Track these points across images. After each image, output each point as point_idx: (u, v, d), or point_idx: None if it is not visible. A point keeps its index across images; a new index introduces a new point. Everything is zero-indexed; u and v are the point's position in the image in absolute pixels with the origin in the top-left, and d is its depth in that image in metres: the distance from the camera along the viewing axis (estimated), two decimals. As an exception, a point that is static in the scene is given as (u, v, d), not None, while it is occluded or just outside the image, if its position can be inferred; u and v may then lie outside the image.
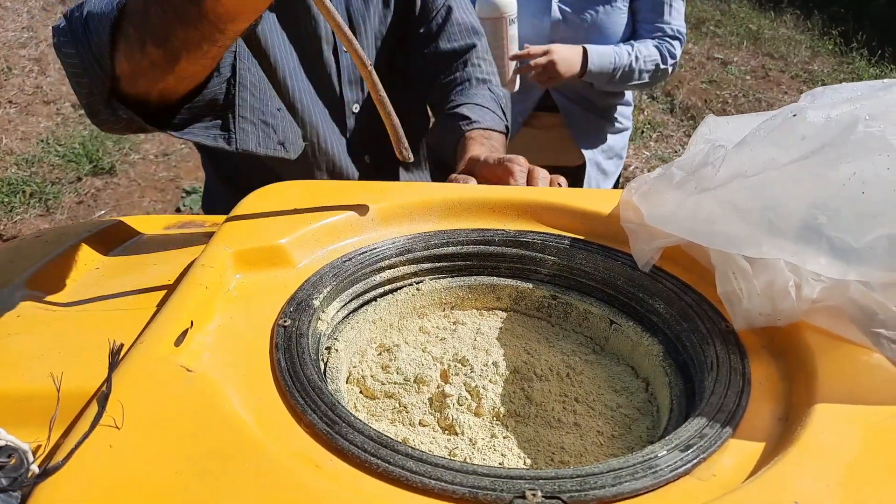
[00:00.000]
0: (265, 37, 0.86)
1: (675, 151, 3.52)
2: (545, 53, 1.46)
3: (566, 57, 1.48)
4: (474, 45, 1.07)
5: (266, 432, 0.39)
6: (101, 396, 0.37)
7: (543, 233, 0.61)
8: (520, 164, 0.76)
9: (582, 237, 0.61)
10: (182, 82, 0.67)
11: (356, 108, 0.97)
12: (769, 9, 5.35)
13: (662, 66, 1.59)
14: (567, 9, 1.53)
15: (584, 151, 1.62)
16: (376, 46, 0.98)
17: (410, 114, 1.05)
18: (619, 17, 1.54)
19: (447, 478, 0.36)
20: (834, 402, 0.41)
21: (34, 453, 0.37)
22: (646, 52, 1.55)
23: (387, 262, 0.58)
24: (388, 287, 0.58)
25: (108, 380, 0.39)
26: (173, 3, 0.57)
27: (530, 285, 0.60)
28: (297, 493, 0.34)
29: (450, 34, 1.05)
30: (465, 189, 0.67)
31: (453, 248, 0.60)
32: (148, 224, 0.76)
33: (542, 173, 0.75)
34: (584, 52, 1.50)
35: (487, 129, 1.01)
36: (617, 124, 1.69)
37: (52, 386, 0.41)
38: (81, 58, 0.66)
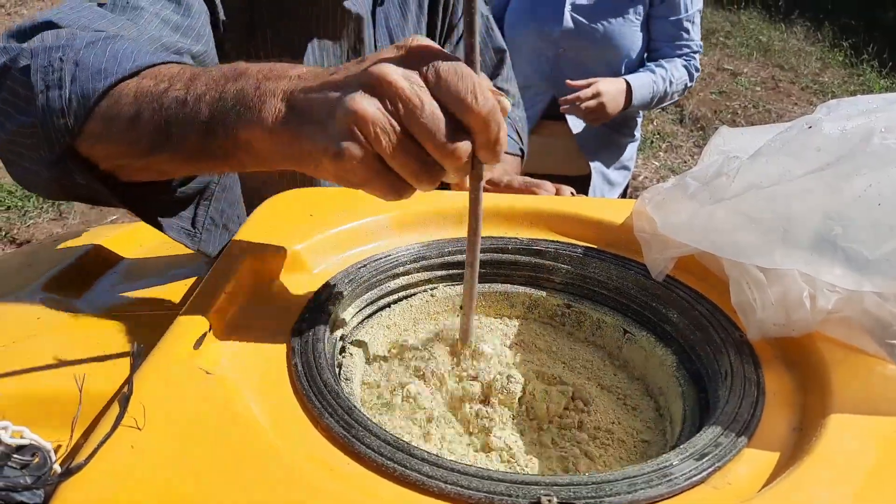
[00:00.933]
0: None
1: (685, 162, 3.52)
2: (595, 95, 1.47)
3: (614, 97, 1.50)
4: (497, 70, 1.08)
5: (283, 435, 0.39)
6: (123, 397, 0.38)
7: (557, 241, 0.62)
8: (546, 189, 0.76)
9: (595, 246, 0.61)
10: (169, 175, 0.56)
11: None
12: (779, 20, 5.36)
13: (689, 84, 1.62)
14: (581, 18, 1.53)
15: (590, 162, 1.63)
16: None
17: None
18: (631, 30, 1.55)
19: (463, 482, 0.36)
20: (848, 412, 0.41)
21: (56, 452, 0.38)
22: (678, 74, 1.58)
23: (401, 269, 0.59)
24: (402, 293, 0.59)
25: (130, 381, 0.39)
26: (200, 131, 0.47)
27: (543, 293, 0.61)
28: (312, 496, 0.35)
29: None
30: (479, 197, 0.68)
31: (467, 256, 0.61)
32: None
33: (567, 192, 0.76)
34: (628, 87, 1.52)
35: None
36: (625, 135, 1.70)
37: (73, 387, 0.42)
38: (19, 111, 0.52)
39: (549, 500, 0.35)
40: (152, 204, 0.59)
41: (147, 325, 0.50)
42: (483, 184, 0.46)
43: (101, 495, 0.34)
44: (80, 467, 0.34)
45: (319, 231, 0.58)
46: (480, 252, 0.61)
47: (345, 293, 0.53)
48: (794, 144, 0.44)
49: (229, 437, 0.38)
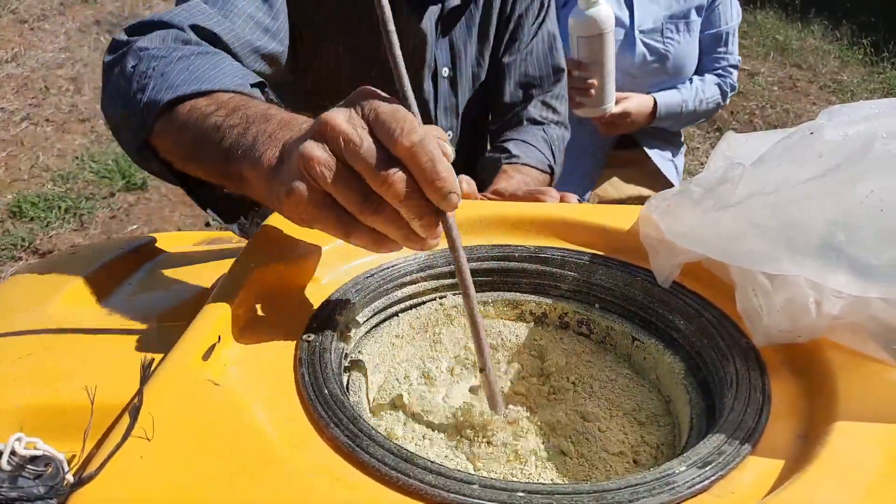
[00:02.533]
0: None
1: (702, 164, 3.49)
2: (622, 114, 1.46)
3: (636, 117, 1.48)
4: (551, 87, 1.09)
5: (289, 445, 0.40)
6: (133, 409, 0.39)
7: (563, 249, 0.62)
8: (552, 196, 0.77)
9: (601, 253, 0.61)
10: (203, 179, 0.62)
11: (449, 134, 0.99)
12: (796, 19, 5.30)
13: (722, 104, 1.59)
14: (651, 41, 1.50)
15: (670, 178, 1.62)
16: (472, 75, 1.02)
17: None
18: (694, 46, 1.53)
19: (465, 491, 0.37)
20: (854, 419, 0.40)
21: (69, 463, 0.39)
22: (709, 93, 1.55)
23: (408, 278, 0.59)
24: (409, 302, 0.59)
25: (140, 393, 0.40)
26: (220, 157, 0.53)
27: (550, 301, 0.61)
28: (319, 505, 0.35)
29: (530, 75, 1.07)
30: (486, 206, 0.68)
31: (474, 263, 0.61)
32: (179, 241, 0.78)
33: (573, 199, 0.76)
34: (654, 105, 1.50)
35: (526, 164, 1.02)
36: (681, 145, 1.70)
37: (85, 398, 0.43)
38: (123, 99, 0.63)
39: (551, 509, 0.36)
40: (211, 196, 0.67)
41: (159, 337, 0.51)
42: (455, 230, 0.47)
43: (112, 505, 0.35)
44: (91, 477, 0.35)
45: (327, 242, 0.59)
46: (488, 260, 0.61)
47: (352, 302, 0.54)
48: (796, 150, 0.44)
49: (237, 448, 0.39)
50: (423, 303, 0.60)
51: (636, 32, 1.50)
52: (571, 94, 1.32)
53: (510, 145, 1.04)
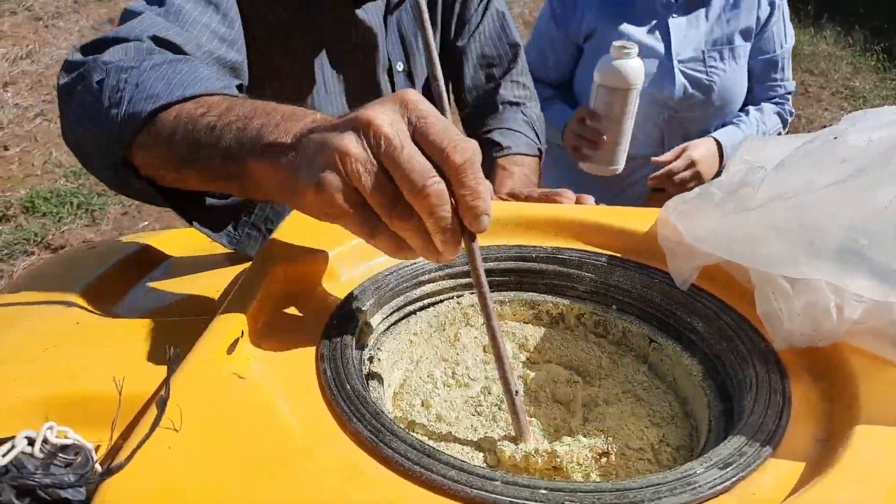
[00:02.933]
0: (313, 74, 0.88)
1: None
2: (689, 165, 1.32)
3: (709, 163, 1.34)
4: (512, 64, 1.09)
5: (313, 439, 0.40)
6: (161, 400, 0.40)
7: (581, 250, 0.62)
8: (568, 198, 0.77)
9: (619, 255, 0.62)
10: (197, 189, 0.60)
11: None
12: (808, 24, 5.28)
13: (782, 132, 1.45)
14: (691, 72, 1.34)
15: None
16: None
17: None
18: (742, 74, 1.39)
19: (488, 487, 0.37)
20: (875, 423, 0.41)
21: (96, 452, 0.39)
22: (771, 123, 1.42)
23: (426, 277, 0.60)
24: (427, 301, 0.60)
25: (167, 384, 0.41)
26: (221, 156, 0.52)
27: (567, 301, 0.61)
28: (341, 499, 0.36)
29: (487, 56, 1.07)
30: (503, 206, 0.69)
31: (491, 263, 0.61)
32: (196, 237, 0.79)
33: (589, 200, 0.76)
34: (719, 147, 1.36)
35: (519, 154, 1.02)
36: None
37: (112, 389, 0.44)
38: (93, 119, 0.59)
39: (573, 507, 0.36)
40: (197, 209, 0.64)
41: (182, 330, 0.52)
42: (479, 255, 0.47)
43: (141, 494, 0.35)
44: (120, 467, 0.36)
45: (347, 239, 0.59)
46: (505, 260, 0.62)
47: (372, 300, 0.54)
48: (818, 155, 0.44)
49: (262, 440, 0.39)
50: (441, 301, 0.60)
51: (674, 63, 1.34)
52: (578, 143, 1.25)
53: (496, 136, 1.03)
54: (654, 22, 1.37)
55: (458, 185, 0.43)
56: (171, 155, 0.55)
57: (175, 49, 0.67)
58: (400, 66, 0.98)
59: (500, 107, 1.07)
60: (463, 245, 0.46)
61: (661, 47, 1.36)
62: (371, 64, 0.93)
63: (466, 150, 0.43)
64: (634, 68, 1.16)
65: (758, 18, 1.38)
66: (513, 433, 0.49)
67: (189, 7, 0.72)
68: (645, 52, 1.29)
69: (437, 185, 0.42)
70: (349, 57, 0.91)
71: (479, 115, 1.09)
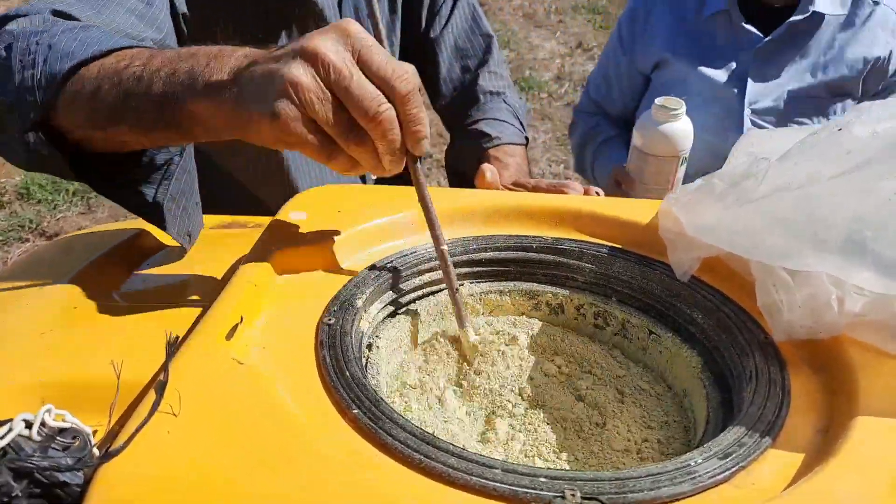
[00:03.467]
0: None
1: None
2: None
3: None
4: (486, 55, 1.07)
5: (313, 425, 0.40)
6: (159, 385, 0.39)
7: (581, 241, 0.62)
8: (576, 189, 0.76)
9: (619, 246, 0.61)
10: (130, 147, 0.58)
11: None
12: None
13: None
14: (766, 124, 1.17)
15: None
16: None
17: None
18: None
19: (488, 475, 0.37)
20: (875, 415, 0.41)
21: (94, 436, 0.39)
22: None
23: (426, 266, 0.59)
24: (427, 290, 0.60)
25: (166, 369, 0.40)
26: (154, 103, 0.51)
27: (567, 292, 0.61)
28: (342, 484, 0.36)
29: (461, 48, 1.05)
30: (504, 196, 0.68)
31: (491, 253, 0.61)
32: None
33: (598, 193, 0.76)
34: None
35: (508, 143, 1.01)
36: None
37: (110, 374, 0.43)
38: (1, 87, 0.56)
39: (573, 495, 0.36)
40: (116, 181, 0.62)
41: (180, 316, 0.52)
42: (421, 170, 0.53)
43: (139, 478, 0.35)
44: (119, 451, 0.36)
45: (346, 227, 0.59)
46: (505, 250, 0.61)
47: (371, 288, 0.54)
48: (823, 147, 0.44)
49: (262, 425, 0.39)
50: (440, 291, 0.60)
51: (745, 110, 1.16)
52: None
53: (484, 126, 1.02)
54: (733, 62, 1.18)
55: (403, 113, 0.47)
56: (99, 111, 0.54)
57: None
58: None
59: (482, 97, 1.06)
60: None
61: (730, 87, 1.18)
62: None
63: (409, 80, 0.46)
64: (681, 134, 0.94)
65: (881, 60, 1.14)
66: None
67: None
68: (713, 95, 1.16)
69: (388, 111, 0.46)
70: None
71: (457, 105, 1.07)
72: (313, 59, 0.45)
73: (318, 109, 0.45)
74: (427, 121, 0.49)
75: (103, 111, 0.54)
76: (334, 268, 0.57)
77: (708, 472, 0.38)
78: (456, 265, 0.61)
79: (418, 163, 0.52)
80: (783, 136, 0.54)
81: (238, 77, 0.48)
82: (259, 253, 0.55)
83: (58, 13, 0.63)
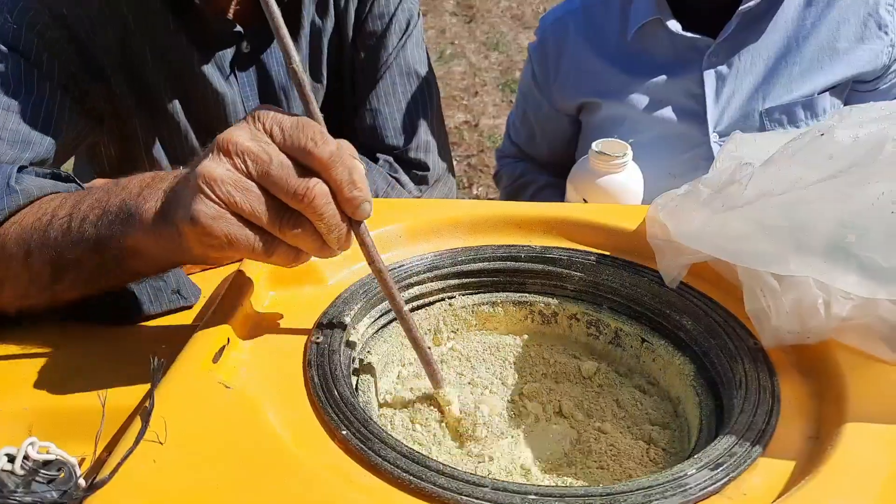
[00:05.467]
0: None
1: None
2: None
3: None
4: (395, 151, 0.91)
5: (301, 447, 0.40)
6: (145, 412, 0.39)
7: (570, 249, 0.62)
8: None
9: (608, 253, 0.61)
10: (76, 301, 0.53)
11: None
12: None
13: None
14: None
15: None
16: None
17: None
18: None
19: (478, 494, 0.37)
20: (865, 420, 0.41)
21: (80, 465, 0.39)
22: None
23: (415, 279, 0.59)
24: (416, 303, 0.59)
25: (151, 396, 0.40)
26: (89, 249, 0.48)
27: (556, 301, 0.61)
28: (332, 508, 0.35)
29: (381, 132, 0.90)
30: (492, 206, 0.68)
31: (480, 264, 0.61)
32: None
33: None
34: None
35: None
36: None
37: (95, 401, 0.43)
38: None
39: (564, 512, 0.36)
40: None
41: (165, 338, 0.51)
42: (368, 236, 0.46)
43: (125, 509, 0.35)
44: (104, 482, 0.35)
45: (334, 242, 0.59)
46: (494, 261, 0.61)
47: (360, 304, 0.54)
48: (806, 152, 0.44)
49: (250, 450, 0.39)
50: (432, 303, 0.60)
51: (709, 136, 0.94)
52: None
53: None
54: (681, 83, 0.95)
55: (331, 180, 0.42)
56: (34, 276, 0.51)
57: None
58: None
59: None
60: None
61: (692, 108, 0.95)
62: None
63: (329, 142, 0.42)
64: (626, 186, 0.77)
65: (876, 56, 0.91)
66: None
67: None
68: (666, 132, 0.94)
69: (317, 185, 0.42)
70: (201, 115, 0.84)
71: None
72: (227, 151, 0.41)
73: (240, 202, 0.41)
74: (364, 181, 0.44)
75: (42, 274, 0.50)
76: (322, 284, 0.57)
77: (699, 484, 0.38)
78: (445, 277, 0.60)
79: (364, 229, 0.46)
80: (766, 140, 0.54)
81: (167, 198, 0.45)
82: (246, 272, 0.55)
83: None
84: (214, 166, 0.41)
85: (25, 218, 0.52)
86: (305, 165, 0.42)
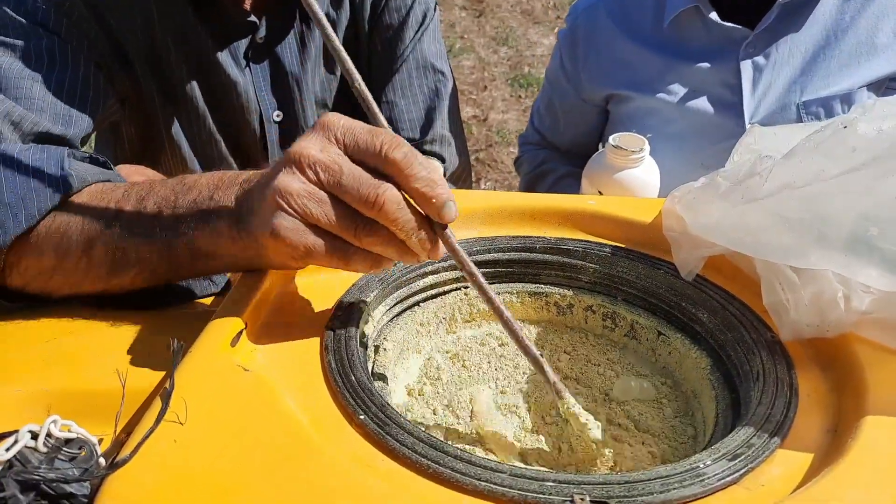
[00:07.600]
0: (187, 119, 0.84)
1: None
2: None
3: None
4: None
5: (319, 431, 0.40)
6: (165, 393, 0.39)
7: (584, 240, 0.62)
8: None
9: (623, 245, 0.61)
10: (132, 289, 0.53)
11: None
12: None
13: None
14: None
15: None
16: (316, 113, 0.90)
17: None
18: None
19: (496, 480, 0.37)
20: (884, 414, 0.40)
21: (100, 445, 0.39)
22: None
23: (430, 268, 0.59)
24: (431, 292, 0.59)
25: (171, 377, 0.40)
26: (159, 248, 0.49)
27: (571, 292, 0.61)
28: (350, 490, 0.36)
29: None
30: (506, 197, 0.68)
31: (495, 254, 0.61)
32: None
33: None
34: None
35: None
36: None
37: (115, 382, 0.43)
38: None
39: (582, 499, 0.36)
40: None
41: (184, 323, 0.51)
42: (456, 242, 0.46)
43: (147, 488, 0.35)
44: (125, 461, 0.35)
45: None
46: (509, 251, 0.61)
47: (375, 291, 0.54)
48: (828, 144, 0.44)
49: (269, 432, 0.39)
50: (447, 292, 0.60)
51: (746, 125, 0.94)
52: None
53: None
54: (716, 74, 0.94)
55: (407, 181, 0.42)
56: (92, 267, 0.51)
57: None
58: (278, 116, 0.87)
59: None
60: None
61: (728, 98, 0.94)
62: (239, 115, 0.86)
63: (401, 144, 0.43)
64: (643, 182, 0.76)
65: None
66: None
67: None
68: (701, 124, 0.92)
69: (388, 190, 0.42)
70: (219, 109, 0.85)
71: None
72: (299, 164, 0.43)
73: (316, 213, 0.43)
74: (443, 180, 0.43)
75: (103, 266, 0.51)
76: (338, 272, 0.57)
77: (717, 475, 0.38)
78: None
79: (450, 234, 0.45)
80: (786, 133, 0.53)
81: (240, 207, 0.47)
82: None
83: None
84: (290, 180, 0.43)
85: (86, 207, 0.52)
86: (381, 171, 0.43)
